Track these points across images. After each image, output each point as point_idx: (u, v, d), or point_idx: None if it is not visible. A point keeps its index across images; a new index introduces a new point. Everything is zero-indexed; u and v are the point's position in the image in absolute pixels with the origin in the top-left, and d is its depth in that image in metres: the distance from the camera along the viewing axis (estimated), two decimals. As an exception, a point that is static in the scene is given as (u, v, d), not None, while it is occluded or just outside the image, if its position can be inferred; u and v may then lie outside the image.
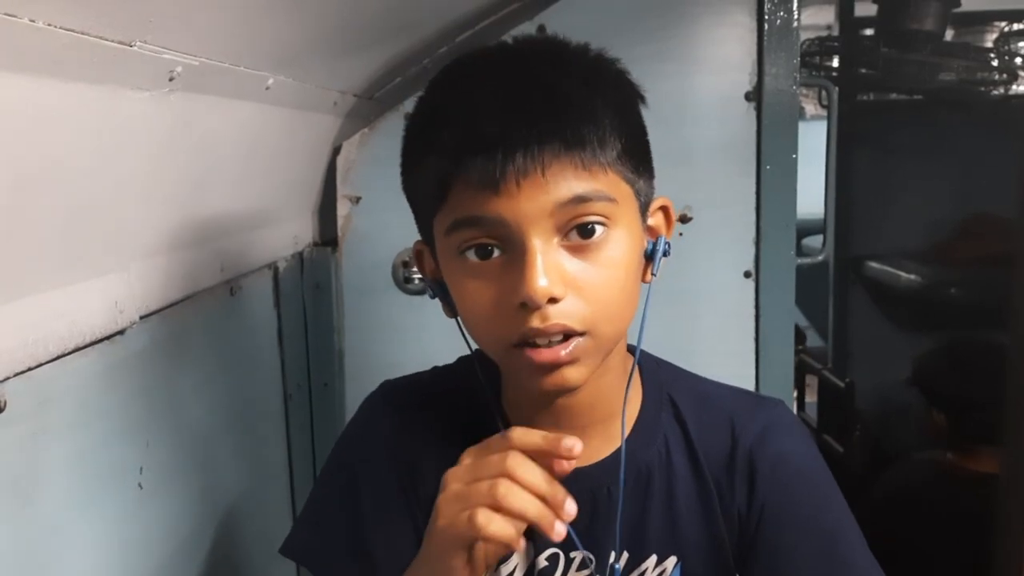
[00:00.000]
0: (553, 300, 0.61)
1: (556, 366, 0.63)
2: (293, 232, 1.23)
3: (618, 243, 0.64)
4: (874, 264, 2.80)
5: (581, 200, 0.61)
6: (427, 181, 0.63)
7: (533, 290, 0.60)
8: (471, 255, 0.63)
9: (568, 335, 0.62)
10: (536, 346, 0.62)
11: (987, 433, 1.80)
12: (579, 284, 0.62)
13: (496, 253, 0.62)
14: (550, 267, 0.60)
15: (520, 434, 0.60)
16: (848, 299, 2.93)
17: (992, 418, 1.74)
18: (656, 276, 0.69)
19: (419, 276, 1.29)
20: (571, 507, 0.58)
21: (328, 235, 1.32)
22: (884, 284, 2.74)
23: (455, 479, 0.61)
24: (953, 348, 2.08)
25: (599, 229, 0.62)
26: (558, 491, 0.58)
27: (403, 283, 1.30)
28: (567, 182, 0.61)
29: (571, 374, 0.63)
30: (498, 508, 0.57)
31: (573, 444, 0.58)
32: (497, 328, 0.63)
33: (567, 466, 0.59)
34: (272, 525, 1.13)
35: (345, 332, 1.30)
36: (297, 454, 1.21)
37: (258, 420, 1.09)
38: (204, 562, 0.91)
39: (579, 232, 0.62)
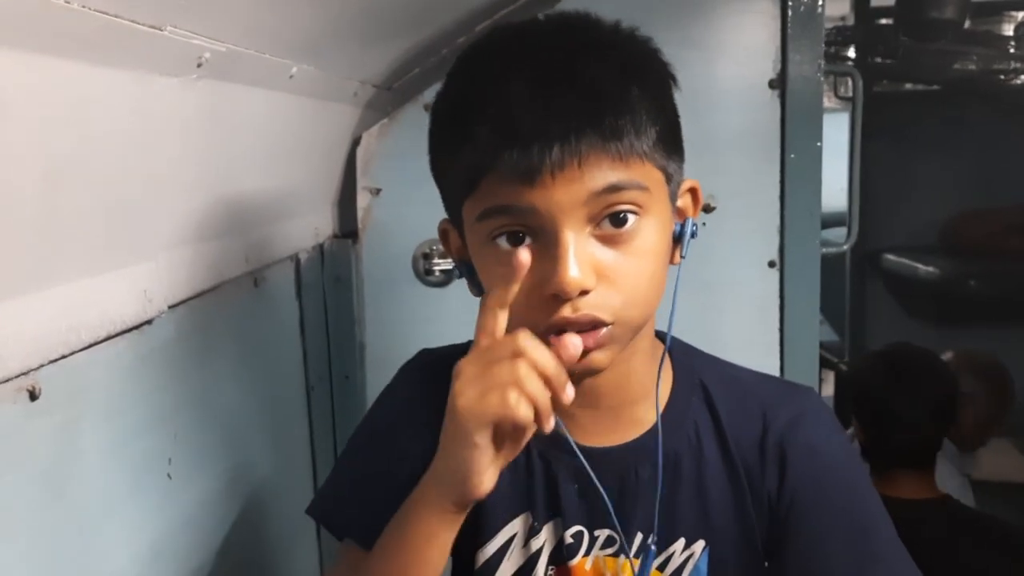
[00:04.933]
0: (584, 292, 0.61)
1: (584, 353, 0.63)
2: (314, 224, 1.23)
3: (649, 231, 0.63)
4: (891, 257, 2.78)
5: (614, 189, 0.61)
6: (458, 170, 0.63)
7: (566, 282, 0.60)
8: (502, 242, 0.63)
9: (596, 324, 0.62)
10: (565, 332, 0.62)
11: (907, 456, 1.63)
12: (609, 274, 0.62)
13: (527, 240, 0.62)
14: (582, 258, 0.60)
15: (530, 345, 0.58)
16: (865, 292, 2.91)
17: (914, 442, 1.62)
18: (684, 258, 0.69)
19: (439, 268, 1.28)
20: (570, 391, 0.59)
21: (348, 227, 1.31)
22: (902, 277, 2.73)
23: (470, 363, 0.60)
24: (888, 356, 1.81)
25: (631, 218, 0.62)
26: (563, 376, 0.59)
27: (423, 275, 1.29)
28: (602, 172, 0.60)
29: (597, 358, 0.64)
30: (520, 389, 0.57)
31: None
32: (527, 316, 0.63)
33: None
34: (296, 516, 1.12)
35: (366, 324, 1.29)
36: (319, 446, 1.21)
37: (281, 412, 1.09)
38: (231, 551, 0.91)
39: (611, 221, 0.62)
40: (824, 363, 2.70)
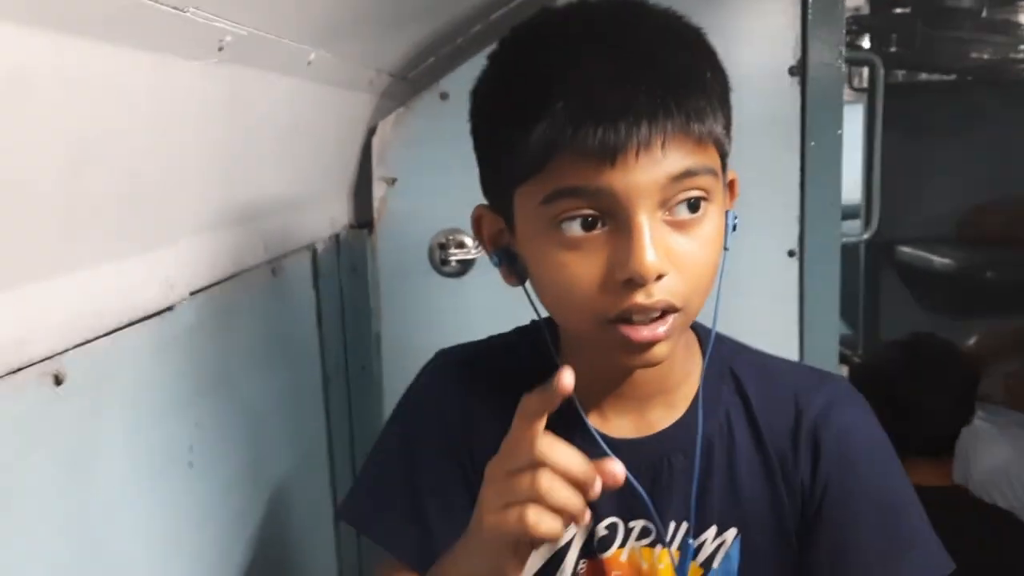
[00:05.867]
0: (659, 276, 0.59)
1: (651, 344, 0.61)
2: (330, 214, 1.22)
3: (713, 218, 0.63)
4: (906, 248, 2.76)
5: (690, 174, 0.60)
6: (526, 148, 0.60)
7: (644, 267, 0.58)
8: (571, 227, 0.61)
9: (666, 311, 0.61)
10: (632, 323, 0.61)
11: (925, 446, 1.63)
12: (680, 260, 0.61)
13: (598, 225, 0.60)
14: (657, 243, 0.59)
15: (549, 450, 0.57)
16: (879, 284, 2.89)
17: (934, 431, 1.64)
18: (728, 249, 0.67)
19: (455, 258, 1.28)
20: (598, 486, 0.57)
21: (363, 217, 1.31)
22: (916, 268, 2.71)
23: (496, 465, 0.60)
24: (910, 346, 1.82)
25: (703, 204, 0.61)
26: (591, 472, 0.57)
27: (439, 265, 1.29)
28: (682, 156, 0.59)
29: (661, 350, 0.63)
30: (542, 503, 0.56)
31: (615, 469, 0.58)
32: (595, 303, 0.61)
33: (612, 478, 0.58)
34: (314, 506, 1.12)
35: (381, 314, 1.29)
36: (337, 437, 1.20)
37: (299, 401, 1.08)
38: (250, 540, 0.90)
39: (687, 207, 0.61)
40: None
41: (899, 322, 2.86)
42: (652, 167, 0.58)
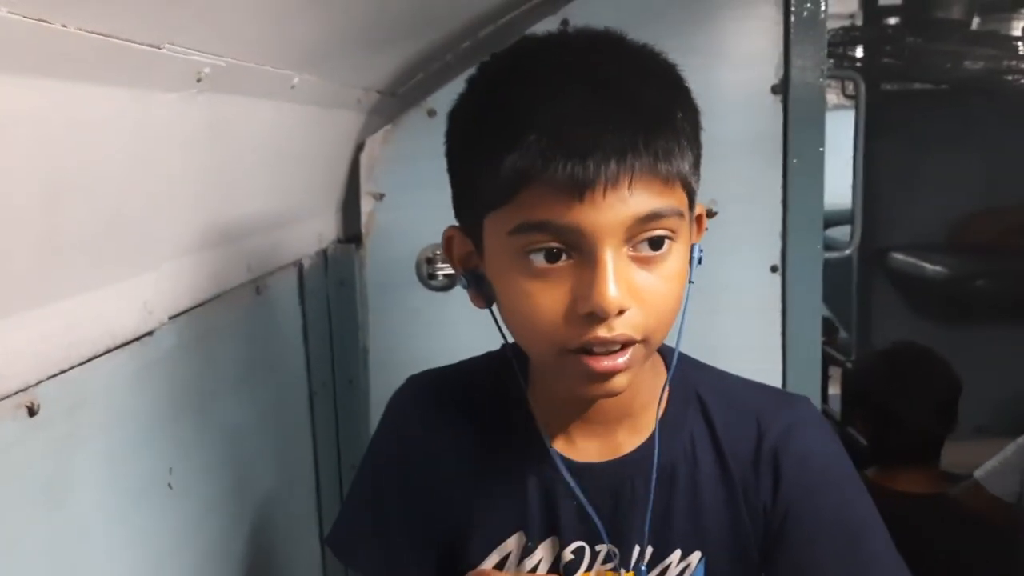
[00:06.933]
0: (621, 311, 0.61)
1: (611, 374, 0.63)
2: (317, 229, 1.23)
3: (678, 255, 0.64)
4: (898, 255, 2.77)
5: (656, 216, 0.61)
6: (497, 177, 0.61)
7: (606, 301, 0.59)
8: (537, 258, 0.62)
9: (626, 344, 0.62)
10: (593, 353, 0.62)
11: (909, 453, 1.69)
12: (643, 295, 0.62)
13: (563, 257, 0.62)
14: (620, 278, 0.60)
15: None
16: (872, 291, 2.90)
17: (916, 439, 1.67)
18: (692, 283, 0.69)
19: (443, 272, 1.29)
20: None
21: (351, 232, 1.32)
22: (909, 276, 2.72)
23: None
24: (891, 355, 1.87)
25: (667, 243, 0.62)
26: None
27: (427, 279, 1.29)
28: (648, 196, 0.60)
29: (620, 381, 0.64)
30: None
31: None
32: (557, 333, 0.62)
33: None
34: (299, 523, 1.13)
35: (369, 329, 1.30)
36: (323, 451, 1.21)
37: (284, 418, 1.09)
38: (233, 562, 0.91)
39: (650, 245, 0.62)
40: (831, 360, 2.71)
41: (891, 329, 2.87)
42: (619, 206, 0.59)
